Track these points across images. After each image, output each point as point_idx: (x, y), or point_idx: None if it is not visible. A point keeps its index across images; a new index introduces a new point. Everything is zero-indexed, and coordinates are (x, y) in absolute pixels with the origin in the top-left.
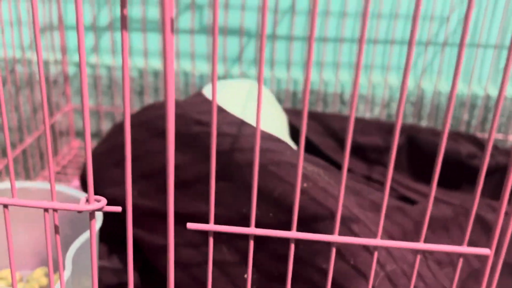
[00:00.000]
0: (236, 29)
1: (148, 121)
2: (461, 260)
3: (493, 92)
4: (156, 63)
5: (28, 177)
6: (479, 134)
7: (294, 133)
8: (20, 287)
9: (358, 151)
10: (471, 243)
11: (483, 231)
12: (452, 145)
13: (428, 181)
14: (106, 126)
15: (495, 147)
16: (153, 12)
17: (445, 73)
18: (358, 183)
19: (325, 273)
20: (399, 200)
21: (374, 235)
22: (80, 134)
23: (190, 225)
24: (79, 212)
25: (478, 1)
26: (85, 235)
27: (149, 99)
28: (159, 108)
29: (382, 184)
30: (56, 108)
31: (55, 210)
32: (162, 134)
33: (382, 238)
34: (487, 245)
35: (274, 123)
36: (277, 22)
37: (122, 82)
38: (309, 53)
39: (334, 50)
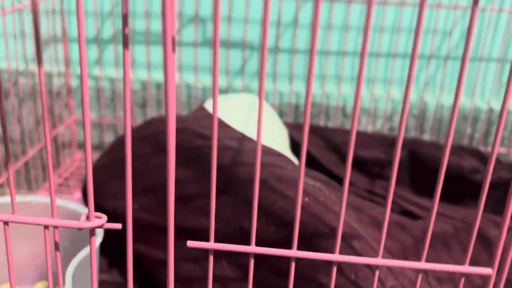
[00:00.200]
0: (239, 42)
1: (151, 136)
2: (462, 279)
3: (496, 106)
4: (158, 76)
5: (30, 189)
6: (482, 148)
7: (296, 147)
8: None
9: (359, 164)
10: (471, 260)
11: (484, 247)
12: (455, 160)
13: (430, 195)
14: (108, 138)
15: (497, 161)
16: (156, 25)
17: (447, 86)
18: (359, 198)
19: None
20: (400, 215)
21: (375, 252)
22: (83, 146)
23: (191, 243)
24: (79, 229)
25: (480, 14)
26: (86, 250)
27: (151, 112)
28: (161, 123)
29: (384, 198)
30: (59, 120)
31: (55, 227)
32: (164, 149)
33: (382, 254)
34: (488, 261)
35: (275, 137)
36: (280, 35)
37: (123, 96)
38: (310, 67)
39: (336, 63)
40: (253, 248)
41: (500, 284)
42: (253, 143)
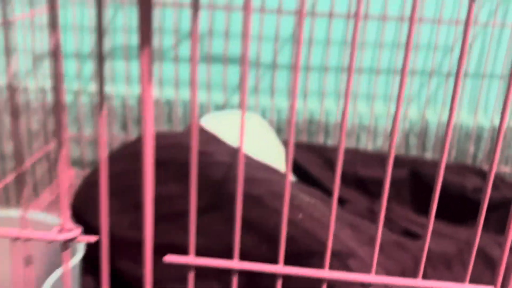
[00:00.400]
0: (236, 57)
1: (142, 151)
2: None
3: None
4: (158, 91)
5: (19, 205)
6: (486, 167)
7: (295, 166)
8: None
9: (360, 184)
10: (474, 279)
11: (487, 267)
12: (457, 179)
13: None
14: None
15: (502, 180)
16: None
17: (449, 104)
18: (357, 217)
19: None
20: (401, 235)
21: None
22: (76, 163)
23: (168, 258)
24: (50, 242)
25: (483, 30)
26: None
27: None
28: (154, 139)
29: (385, 218)
30: (52, 137)
31: (26, 239)
32: (156, 164)
33: (379, 273)
34: (491, 281)
35: (271, 154)
36: (277, 51)
37: (124, 109)
38: (295, 82)
39: (336, 80)
40: (236, 263)
41: None
42: (247, 158)
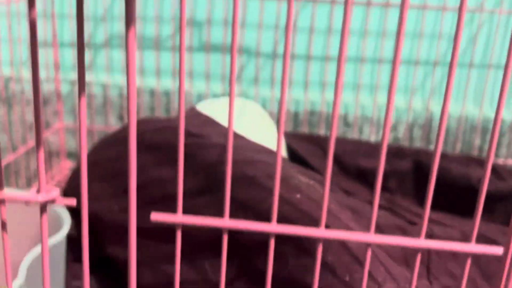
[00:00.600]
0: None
1: (137, 134)
2: (469, 260)
3: (507, 116)
4: (167, 83)
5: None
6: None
7: (293, 156)
8: None
9: (361, 175)
10: (481, 267)
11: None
12: (462, 170)
13: (436, 207)
14: None
15: (509, 172)
16: (167, 30)
17: (454, 95)
18: (359, 202)
19: None
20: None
21: (374, 257)
22: (72, 155)
23: (155, 216)
24: (27, 204)
25: (489, 20)
26: (51, 240)
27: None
28: (146, 123)
29: (386, 209)
30: (47, 128)
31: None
32: (149, 147)
33: (380, 257)
34: (499, 268)
35: (269, 138)
36: (278, 41)
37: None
38: (284, 69)
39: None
40: (225, 222)
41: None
42: (243, 140)
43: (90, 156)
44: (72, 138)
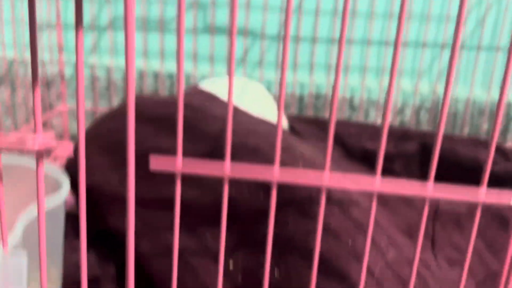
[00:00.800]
0: (240, 29)
1: (137, 107)
2: (479, 208)
3: None
4: (171, 65)
5: None
6: (500, 142)
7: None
8: None
9: (366, 158)
10: (487, 241)
11: (502, 228)
12: (471, 151)
13: None
14: None
15: None
16: (172, 12)
17: (462, 78)
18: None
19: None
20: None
21: (377, 225)
22: (75, 137)
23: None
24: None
25: (497, 2)
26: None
27: None
28: (148, 98)
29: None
30: (50, 110)
31: None
32: (150, 119)
33: (385, 227)
34: (505, 242)
35: (271, 116)
36: (283, 23)
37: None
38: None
39: (344, 53)
40: (228, 171)
41: None
42: (245, 114)
43: (90, 130)
44: (75, 121)
